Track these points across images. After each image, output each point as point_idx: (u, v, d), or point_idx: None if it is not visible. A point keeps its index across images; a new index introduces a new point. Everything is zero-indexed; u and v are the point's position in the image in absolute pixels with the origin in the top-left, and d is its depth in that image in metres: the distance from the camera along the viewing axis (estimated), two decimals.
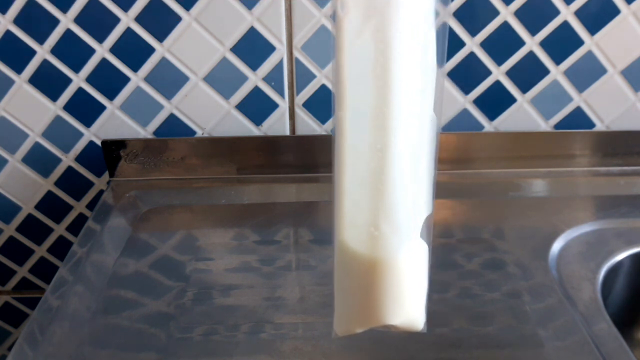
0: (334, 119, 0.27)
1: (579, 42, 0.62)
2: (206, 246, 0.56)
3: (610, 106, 0.66)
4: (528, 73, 0.64)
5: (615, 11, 0.61)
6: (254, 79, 0.64)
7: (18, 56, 0.62)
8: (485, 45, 0.62)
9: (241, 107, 0.65)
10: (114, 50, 0.62)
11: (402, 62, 0.25)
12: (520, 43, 0.62)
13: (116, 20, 0.61)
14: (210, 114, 0.66)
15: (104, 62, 0.63)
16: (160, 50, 0.62)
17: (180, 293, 0.50)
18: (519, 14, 0.61)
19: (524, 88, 0.65)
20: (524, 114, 0.66)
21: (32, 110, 0.65)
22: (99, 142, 0.67)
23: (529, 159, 0.67)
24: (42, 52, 0.62)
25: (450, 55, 0.63)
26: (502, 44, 0.62)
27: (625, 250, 0.55)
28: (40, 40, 0.62)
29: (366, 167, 0.26)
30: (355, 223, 0.28)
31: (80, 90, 0.64)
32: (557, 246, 0.55)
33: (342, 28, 0.25)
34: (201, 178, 0.67)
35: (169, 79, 0.64)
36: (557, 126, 0.67)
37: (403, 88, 0.25)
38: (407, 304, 0.30)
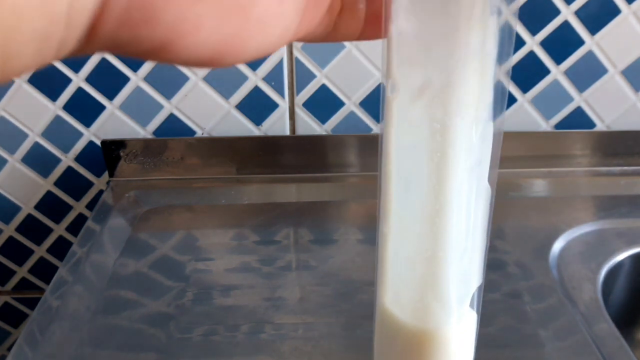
0: (378, 186, 0.25)
1: (580, 42, 0.62)
2: (206, 246, 0.56)
3: (610, 106, 0.66)
4: (528, 73, 0.64)
5: (616, 11, 0.61)
6: (254, 78, 0.64)
7: None
8: None
9: (241, 107, 0.65)
10: None
11: (460, 139, 0.22)
12: (521, 43, 0.62)
13: None
14: (210, 114, 0.66)
15: (103, 61, 0.63)
16: None
17: (180, 293, 0.50)
18: (519, 13, 0.61)
19: (525, 88, 0.65)
20: (524, 114, 0.66)
21: (31, 110, 0.65)
22: (98, 142, 0.67)
23: (529, 159, 0.67)
24: None
25: None
26: None
27: (626, 251, 0.55)
28: None
29: (415, 246, 0.25)
30: (400, 294, 0.26)
31: (79, 90, 0.64)
32: (557, 246, 0.55)
33: (392, 110, 0.23)
34: (201, 178, 0.66)
35: (169, 79, 0.64)
36: (558, 126, 0.67)
37: (460, 166, 0.23)
38: None
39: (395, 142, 0.23)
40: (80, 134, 0.67)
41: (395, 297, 0.27)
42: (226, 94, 0.65)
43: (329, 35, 0.23)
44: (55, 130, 0.66)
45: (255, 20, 0.18)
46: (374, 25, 0.23)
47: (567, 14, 0.61)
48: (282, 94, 0.65)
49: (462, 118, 0.22)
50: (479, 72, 0.22)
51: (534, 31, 0.62)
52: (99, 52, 0.17)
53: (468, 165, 0.23)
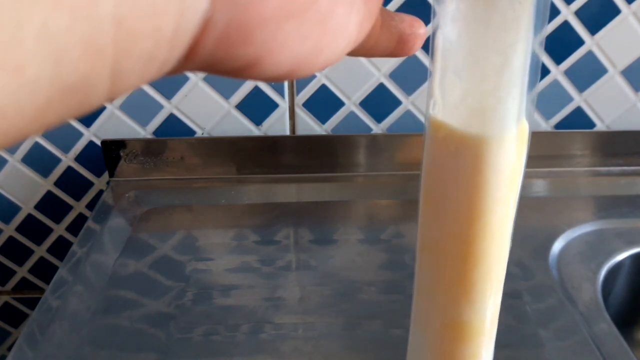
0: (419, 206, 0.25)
1: (580, 42, 0.62)
2: (206, 246, 0.56)
3: (610, 106, 0.66)
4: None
5: (616, 11, 0.61)
6: None
7: None
8: None
9: (241, 107, 0.65)
10: None
11: (499, 167, 0.23)
12: None
13: None
14: (210, 113, 0.66)
15: None
16: None
17: (180, 293, 0.50)
18: None
19: None
20: None
21: None
22: (98, 142, 0.67)
23: (529, 159, 0.67)
24: None
25: None
26: None
27: (626, 251, 0.55)
28: None
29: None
30: None
31: None
32: (557, 246, 0.55)
33: (431, 127, 0.23)
34: (201, 178, 0.66)
35: (169, 79, 0.64)
36: (558, 126, 0.67)
37: (499, 193, 0.24)
38: None
39: (431, 158, 0.24)
40: (80, 134, 0.67)
41: None
42: (226, 94, 0.65)
43: (371, 49, 0.23)
44: (55, 130, 0.66)
45: (330, 33, 0.18)
46: (401, 44, 0.24)
47: (567, 14, 0.61)
48: (282, 94, 0.65)
49: (498, 145, 0.23)
50: (519, 93, 0.22)
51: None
52: (193, 70, 0.17)
53: (505, 193, 0.24)
